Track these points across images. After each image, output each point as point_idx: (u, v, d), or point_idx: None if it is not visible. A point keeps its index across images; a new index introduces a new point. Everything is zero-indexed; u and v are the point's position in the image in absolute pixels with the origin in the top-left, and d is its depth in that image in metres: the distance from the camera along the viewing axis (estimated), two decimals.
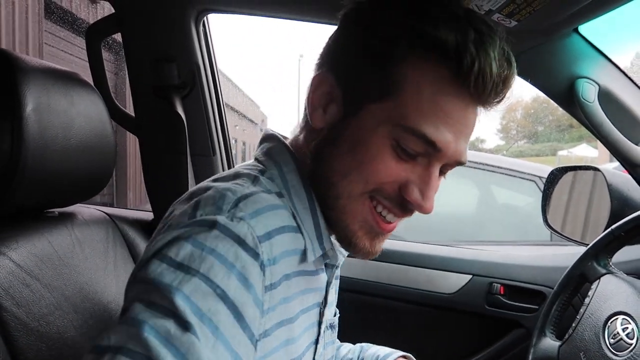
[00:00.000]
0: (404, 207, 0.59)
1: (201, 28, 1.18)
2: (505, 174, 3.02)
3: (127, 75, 1.21)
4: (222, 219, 0.50)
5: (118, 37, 1.17)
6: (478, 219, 3.21)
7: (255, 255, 0.50)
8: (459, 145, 0.57)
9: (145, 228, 1.15)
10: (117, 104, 1.18)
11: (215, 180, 0.59)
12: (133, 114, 1.21)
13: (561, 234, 1.37)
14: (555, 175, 1.49)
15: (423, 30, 0.54)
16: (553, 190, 1.50)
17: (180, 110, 1.12)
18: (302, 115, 0.68)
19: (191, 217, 0.51)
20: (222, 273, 0.47)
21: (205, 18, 1.20)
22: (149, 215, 1.25)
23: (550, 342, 0.95)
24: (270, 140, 0.66)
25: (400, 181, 0.57)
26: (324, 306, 0.68)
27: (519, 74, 1.11)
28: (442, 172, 0.61)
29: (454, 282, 1.32)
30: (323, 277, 0.67)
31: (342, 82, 0.60)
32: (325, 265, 0.68)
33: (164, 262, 0.47)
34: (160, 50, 1.15)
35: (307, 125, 0.64)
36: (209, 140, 1.23)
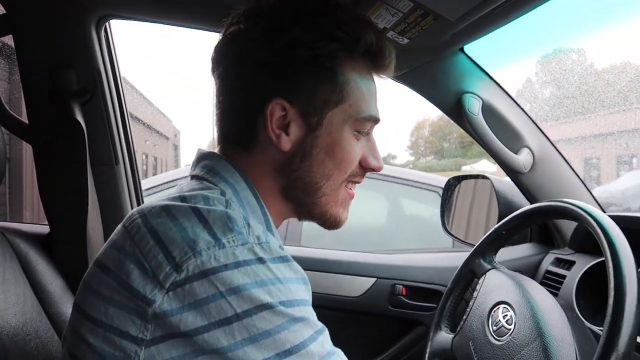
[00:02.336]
0: (364, 174, 0.72)
1: (102, 34, 1.15)
2: (411, 186, 3.19)
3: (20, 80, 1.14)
4: (259, 249, 0.54)
5: (9, 39, 1.10)
6: (387, 229, 3.34)
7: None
8: None
9: (41, 242, 1.08)
10: (8, 110, 1.11)
11: (183, 200, 0.58)
12: (27, 121, 1.14)
13: (458, 239, 1.48)
14: (451, 184, 1.61)
15: (355, 36, 0.65)
16: (450, 198, 1.62)
17: (79, 117, 1.07)
18: (229, 133, 0.69)
19: (220, 246, 0.53)
20: (300, 290, 0.56)
21: (107, 24, 1.17)
22: (45, 229, 1.18)
23: (445, 335, 1.02)
24: (211, 158, 0.67)
25: (361, 158, 0.69)
26: None
27: (414, 88, 1.22)
28: None
29: (360, 285, 1.37)
30: None
31: (297, 103, 0.64)
32: None
33: (276, 315, 0.52)
34: (57, 55, 1.10)
35: (257, 148, 0.66)
36: (112, 149, 1.19)
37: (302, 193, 0.68)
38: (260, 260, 0.53)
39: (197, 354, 0.52)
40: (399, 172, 3.30)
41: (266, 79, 0.65)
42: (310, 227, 2.81)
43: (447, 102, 1.20)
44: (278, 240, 0.66)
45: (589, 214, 0.77)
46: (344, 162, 0.67)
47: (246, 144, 0.67)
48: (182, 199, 0.59)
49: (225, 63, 0.69)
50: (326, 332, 0.58)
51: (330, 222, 0.71)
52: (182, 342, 0.52)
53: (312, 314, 0.57)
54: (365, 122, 0.68)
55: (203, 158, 0.68)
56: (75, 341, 0.57)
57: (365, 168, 0.70)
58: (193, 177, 0.67)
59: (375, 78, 0.72)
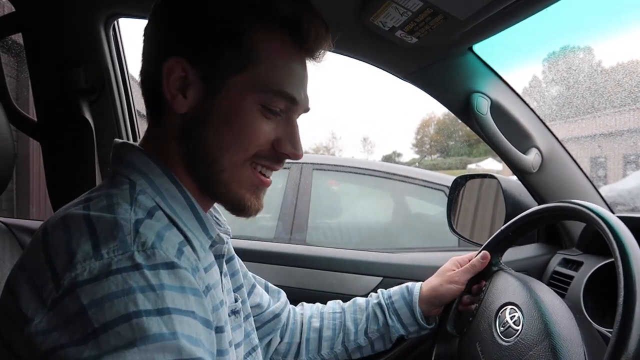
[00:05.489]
0: (280, 160, 0.67)
1: (111, 32, 1.15)
2: (417, 184, 3.18)
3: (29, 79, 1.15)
4: (139, 256, 0.50)
5: (18, 37, 1.11)
6: (393, 228, 3.34)
7: (185, 268, 0.54)
8: (307, 97, 0.68)
9: None
10: (17, 108, 1.12)
11: (86, 208, 0.55)
12: (35, 119, 1.14)
13: (464, 238, 1.47)
14: (458, 183, 1.61)
15: (268, 6, 0.62)
16: (457, 197, 1.62)
17: (87, 116, 1.08)
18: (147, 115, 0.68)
19: (97, 258, 0.49)
20: (182, 298, 0.50)
21: (116, 22, 1.17)
22: None
23: (451, 337, 1.02)
24: (123, 148, 0.65)
25: (272, 139, 0.65)
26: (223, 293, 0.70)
27: (422, 87, 1.21)
28: None
29: (366, 284, 1.37)
30: (216, 269, 0.69)
31: (197, 64, 0.61)
32: (215, 257, 0.70)
33: (140, 317, 0.47)
34: (66, 53, 1.10)
35: (164, 117, 0.65)
36: None
37: (202, 165, 0.63)
38: (136, 267, 0.49)
39: None
40: (404, 170, 3.30)
41: (170, 37, 0.63)
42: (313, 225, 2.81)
43: (456, 101, 1.20)
44: (208, 229, 0.64)
45: (599, 216, 0.77)
46: (244, 136, 0.62)
47: (157, 116, 0.65)
48: (87, 200, 0.57)
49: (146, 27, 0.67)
50: None
51: (236, 206, 0.66)
52: None
53: (185, 328, 0.49)
54: (274, 97, 0.63)
55: (115, 149, 0.65)
56: None
57: (279, 152, 0.65)
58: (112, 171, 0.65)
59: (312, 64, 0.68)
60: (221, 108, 0.61)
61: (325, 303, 1.35)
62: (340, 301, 1.06)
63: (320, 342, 0.99)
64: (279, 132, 0.65)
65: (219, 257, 0.72)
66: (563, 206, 0.87)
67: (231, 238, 0.79)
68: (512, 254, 1.34)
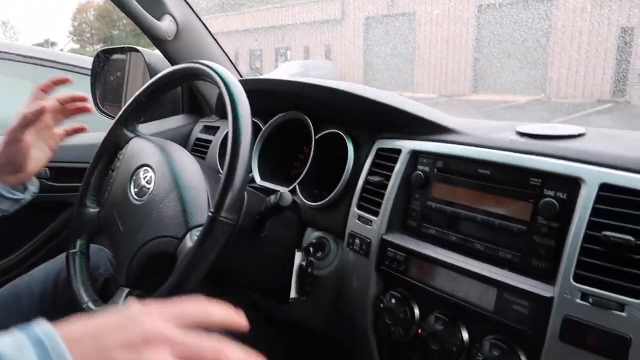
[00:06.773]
0: None
1: None
2: (69, 71, 2.82)
3: None
4: None
5: None
6: None
7: None
8: None
9: None
10: None
11: None
12: None
13: (109, 115, 1.40)
14: (100, 58, 1.49)
15: None
16: (100, 74, 1.50)
17: None
18: None
19: None
20: None
21: None
22: None
23: (90, 211, 0.97)
24: None
25: None
26: None
27: None
28: None
29: None
30: None
31: None
32: None
33: None
34: None
35: None
36: None
37: None
38: None
39: None
40: (52, 54, 2.85)
41: None
42: None
43: None
44: None
45: (217, 74, 0.81)
46: None
47: None
48: None
49: None
50: None
51: None
52: None
53: None
54: None
55: None
56: None
57: None
58: None
59: None
60: None
61: None
62: None
63: None
64: None
65: None
66: (188, 67, 0.89)
67: None
68: (159, 125, 1.36)
